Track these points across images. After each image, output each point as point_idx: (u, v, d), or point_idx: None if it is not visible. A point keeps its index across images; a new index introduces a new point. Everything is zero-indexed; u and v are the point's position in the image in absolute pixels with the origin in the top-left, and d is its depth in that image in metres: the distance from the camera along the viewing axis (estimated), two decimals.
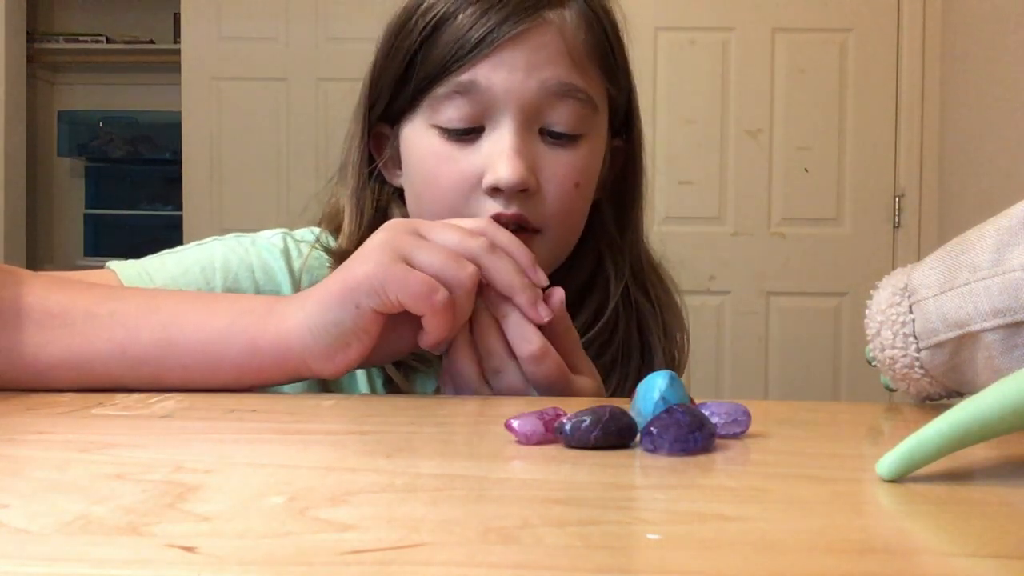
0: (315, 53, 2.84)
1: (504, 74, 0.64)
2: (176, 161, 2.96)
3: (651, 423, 0.37)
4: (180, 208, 2.90)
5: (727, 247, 2.69)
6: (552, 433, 0.38)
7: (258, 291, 0.68)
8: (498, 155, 0.64)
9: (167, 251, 0.70)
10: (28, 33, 3.22)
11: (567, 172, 0.66)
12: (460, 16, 0.65)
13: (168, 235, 3.17)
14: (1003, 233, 0.45)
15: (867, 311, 0.51)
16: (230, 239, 0.71)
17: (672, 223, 2.65)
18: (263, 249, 0.71)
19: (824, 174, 2.68)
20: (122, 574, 0.21)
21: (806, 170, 2.69)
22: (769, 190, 2.69)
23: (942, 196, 2.64)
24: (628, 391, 0.66)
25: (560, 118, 0.66)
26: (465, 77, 0.65)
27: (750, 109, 2.68)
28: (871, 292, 0.51)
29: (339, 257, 0.68)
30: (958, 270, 0.46)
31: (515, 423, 0.38)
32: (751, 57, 2.68)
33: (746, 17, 2.68)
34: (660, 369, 0.74)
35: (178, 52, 2.93)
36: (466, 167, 0.66)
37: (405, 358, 0.67)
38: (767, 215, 2.70)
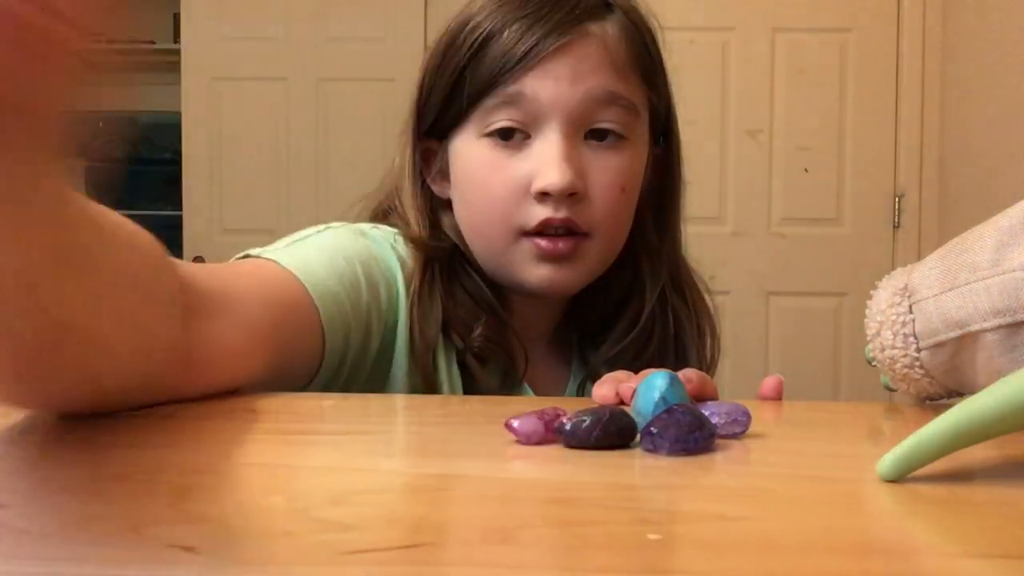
0: (315, 53, 2.84)
1: (550, 84, 0.67)
2: (176, 161, 2.96)
3: (651, 423, 0.37)
4: (180, 208, 2.90)
5: (727, 247, 2.69)
6: (552, 433, 0.38)
7: (385, 279, 0.68)
8: (546, 161, 0.67)
9: (291, 240, 0.67)
10: None
11: (613, 177, 0.69)
12: (506, 32, 0.68)
13: (168, 235, 3.14)
14: (1003, 233, 0.45)
15: (867, 311, 0.51)
16: (340, 229, 0.70)
17: None
18: (373, 241, 0.70)
19: (824, 174, 2.68)
20: (122, 574, 0.21)
21: (806, 170, 2.69)
22: (769, 190, 2.69)
23: (942, 196, 2.64)
24: None
25: (604, 124, 0.69)
26: (513, 89, 0.67)
27: (750, 109, 2.68)
28: (871, 292, 0.51)
29: (419, 245, 0.70)
30: (958, 270, 0.46)
31: (515, 423, 0.38)
32: (751, 57, 2.68)
33: (746, 17, 2.68)
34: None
35: (178, 52, 2.93)
36: (516, 174, 0.68)
37: (479, 347, 0.69)
38: (767, 215, 2.69)
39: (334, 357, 0.62)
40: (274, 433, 0.41)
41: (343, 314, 0.62)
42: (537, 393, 0.73)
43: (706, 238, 2.69)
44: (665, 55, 0.75)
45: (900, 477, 0.32)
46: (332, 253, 0.65)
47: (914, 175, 2.66)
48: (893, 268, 0.54)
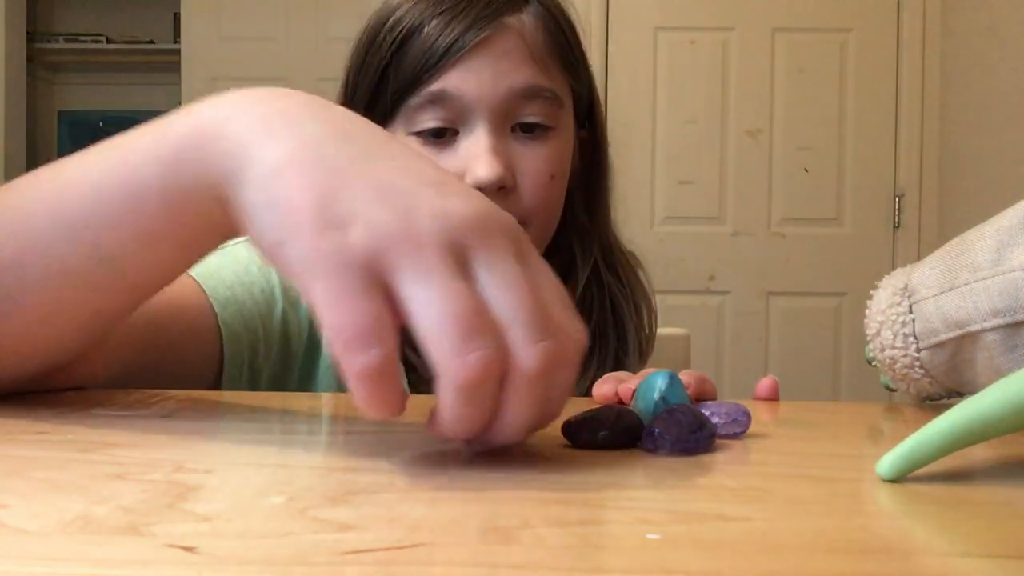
0: (315, 53, 2.85)
1: (473, 81, 0.67)
2: None
3: (652, 423, 0.37)
4: None
5: (727, 247, 2.69)
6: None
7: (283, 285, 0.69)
8: (475, 156, 0.67)
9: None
10: (28, 33, 3.22)
11: (542, 166, 0.70)
12: (426, 28, 0.68)
13: None
14: (1003, 233, 0.45)
15: (867, 311, 0.51)
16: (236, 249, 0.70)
17: (672, 223, 2.65)
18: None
19: (824, 174, 2.68)
20: (122, 574, 0.21)
21: (806, 170, 2.69)
22: (769, 190, 2.69)
23: (942, 196, 2.64)
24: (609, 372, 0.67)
25: (530, 118, 0.69)
26: (436, 87, 0.68)
27: (750, 109, 2.68)
28: (871, 292, 0.51)
29: None
30: (958, 270, 0.46)
31: None
32: (751, 57, 2.68)
33: (746, 17, 2.68)
34: (633, 348, 0.77)
35: (178, 52, 2.93)
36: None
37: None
38: (767, 215, 2.70)
39: (238, 360, 0.62)
40: (274, 433, 0.41)
41: (248, 321, 0.63)
42: None
43: (706, 238, 2.69)
44: (584, 40, 0.76)
45: (900, 477, 0.32)
46: (246, 263, 0.66)
47: (914, 175, 2.66)
48: (893, 268, 0.54)
